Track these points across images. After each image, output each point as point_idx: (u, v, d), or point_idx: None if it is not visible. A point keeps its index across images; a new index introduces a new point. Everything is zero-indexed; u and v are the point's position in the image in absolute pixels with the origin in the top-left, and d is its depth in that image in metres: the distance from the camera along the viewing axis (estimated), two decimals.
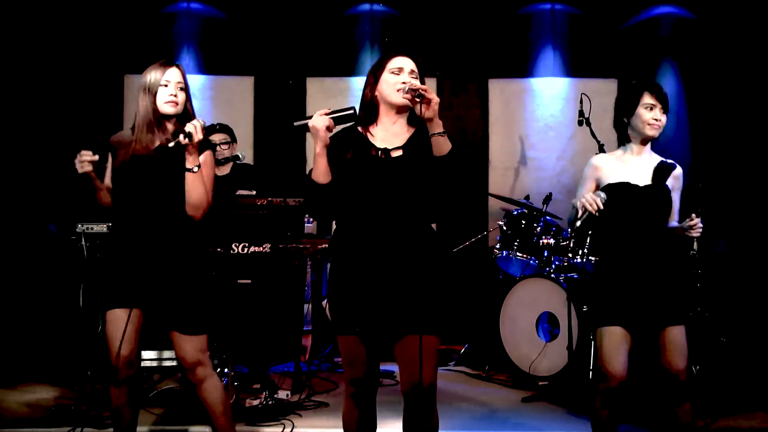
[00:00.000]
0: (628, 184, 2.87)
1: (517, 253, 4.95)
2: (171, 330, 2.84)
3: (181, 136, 2.72)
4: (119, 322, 2.78)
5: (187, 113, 2.91)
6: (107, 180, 2.96)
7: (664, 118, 2.89)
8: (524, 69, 6.26)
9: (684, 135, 6.13)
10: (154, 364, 4.33)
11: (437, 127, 2.43)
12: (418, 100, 2.40)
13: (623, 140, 2.98)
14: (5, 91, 5.63)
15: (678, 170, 2.93)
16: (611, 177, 2.90)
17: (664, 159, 2.92)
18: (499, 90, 6.28)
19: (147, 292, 2.80)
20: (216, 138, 4.69)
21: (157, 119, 2.88)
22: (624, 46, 6.16)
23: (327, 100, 6.14)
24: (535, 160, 6.23)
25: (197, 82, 6.20)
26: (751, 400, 4.12)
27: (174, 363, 4.13)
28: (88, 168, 2.81)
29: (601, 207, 2.73)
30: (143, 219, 2.81)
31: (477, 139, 6.26)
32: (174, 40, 6.14)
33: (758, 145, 5.72)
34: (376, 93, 2.57)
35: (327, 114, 2.48)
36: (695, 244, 4.66)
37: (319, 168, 2.48)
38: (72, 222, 4.11)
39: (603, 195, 2.77)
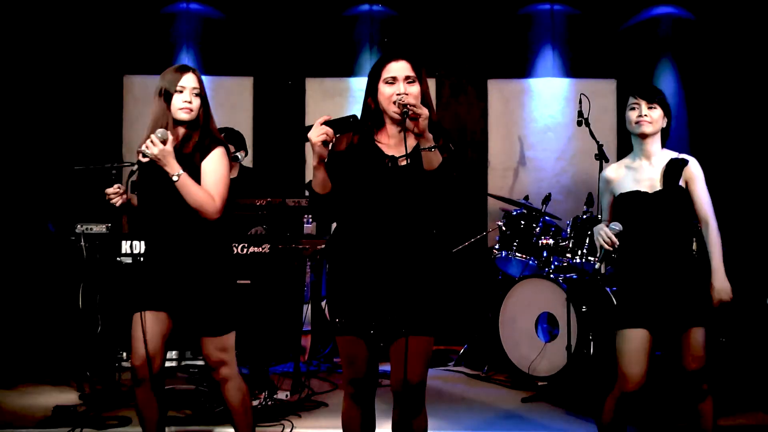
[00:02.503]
0: (638, 192, 2.89)
1: (517, 254, 4.95)
2: (198, 335, 2.84)
3: (140, 155, 2.74)
4: (141, 325, 2.79)
5: (198, 120, 2.89)
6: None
7: (653, 113, 2.89)
8: (523, 69, 6.27)
9: (683, 135, 6.13)
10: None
11: (426, 142, 2.38)
12: (404, 117, 2.35)
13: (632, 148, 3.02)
14: (5, 91, 5.63)
15: (691, 163, 2.91)
16: (623, 186, 2.94)
17: (676, 155, 2.93)
18: (498, 90, 6.29)
19: (174, 295, 2.81)
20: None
21: (168, 125, 2.84)
22: (623, 47, 6.17)
23: (326, 101, 6.15)
24: (534, 160, 6.23)
25: None
26: (750, 400, 4.12)
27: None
28: (122, 199, 2.84)
29: (616, 241, 2.79)
30: (163, 224, 2.81)
31: (476, 140, 6.26)
32: (173, 41, 6.14)
33: (757, 145, 5.73)
34: (378, 103, 2.55)
35: (325, 122, 2.42)
36: (694, 244, 4.67)
37: (316, 179, 2.48)
38: (71, 222, 4.11)
39: (617, 227, 2.81)
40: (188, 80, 2.85)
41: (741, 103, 5.84)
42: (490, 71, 6.26)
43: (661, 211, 2.85)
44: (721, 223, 2.95)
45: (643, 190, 2.89)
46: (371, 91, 2.56)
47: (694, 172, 2.91)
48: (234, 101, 6.21)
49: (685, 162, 2.89)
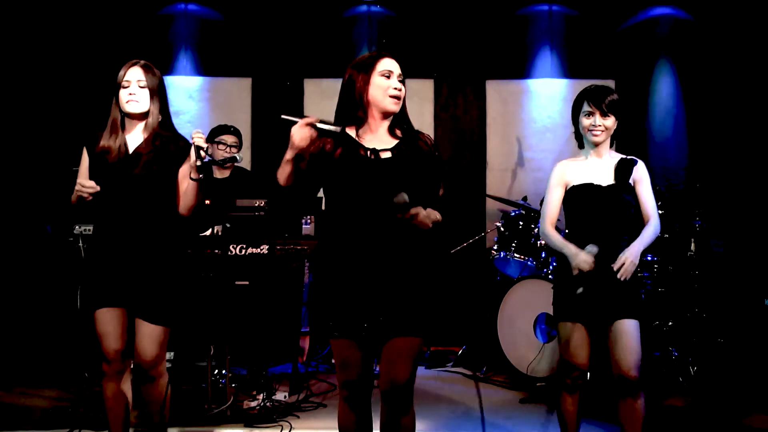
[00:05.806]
0: (591, 185, 2.95)
1: (515, 254, 4.95)
2: (136, 316, 2.84)
3: (201, 152, 2.76)
4: (106, 321, 2.84)
5: (150, 113, 2.90)
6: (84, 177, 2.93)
7: (607, 122, 2.92)
8: (522, 70, 6.27)
9: (681, 135, 6.14)
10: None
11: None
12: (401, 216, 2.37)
13: (581, 145, 3.07)
14: (3, 92, 5.63)
15: (640, 165, 2.98)
16: (576, 179, 2.99)
17: (624, 156, 2.99)
18: (496, 91, 6.29)
19: (129, 289, 2.82)
20: (228, 139, 4.71)
21: (123, 119, 2.91)
22: (621, 47, 6.18)
23: (324, 102, 6.14)
24: (532, 161, 6.24)
25: (195, 83, 6.20)
26: (748, 401, 4.12)
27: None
28: (89, 198, 2.80)
29: (592, 264, 2.82)
30: (120, 218, 2.83)
31: (474, 141, 6.26)
32: (171, 42, 6.15)
33: (755, 146, 5.73)
34: (368, 96, 2.53)
35: (314, 123, 2.43)
36: (693, 245, 4.68)
37: (283, 171, 2.49)
38: (69, 224, 4.11)
39: (594, 249, 2.83)
40: (133, 73, 2.90)
41: (739, 104, 5.85)
42: (489, 72, 6.27)
43: (612, 203, 2.91)
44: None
45: (596, 183, 2.94)
46: (362, 84, 2.54)
47: (643, 174, 2.99)
48: (232, 102, 6.21)
49: (635, 162, 2.95)
